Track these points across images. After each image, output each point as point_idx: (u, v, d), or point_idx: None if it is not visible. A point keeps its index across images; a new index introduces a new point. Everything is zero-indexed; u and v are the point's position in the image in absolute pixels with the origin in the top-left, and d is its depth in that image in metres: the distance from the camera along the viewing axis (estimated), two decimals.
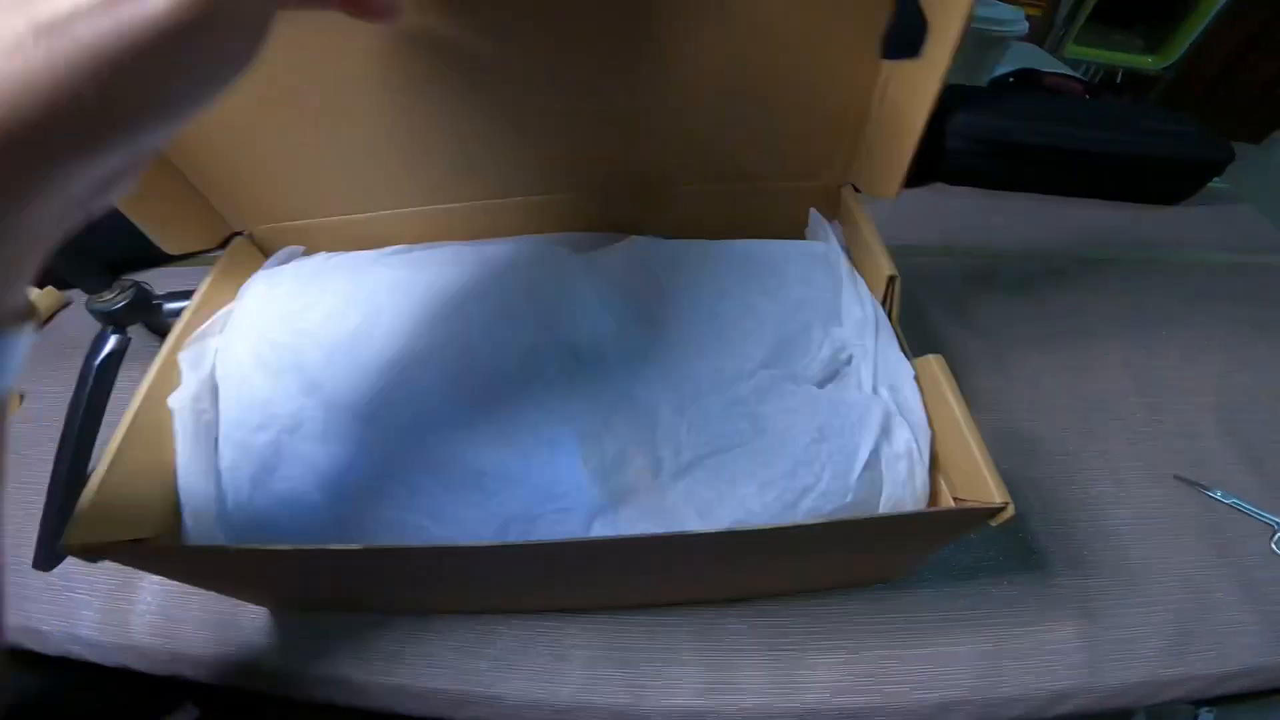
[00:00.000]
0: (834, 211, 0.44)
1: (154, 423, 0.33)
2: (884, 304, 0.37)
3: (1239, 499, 0.44)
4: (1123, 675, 0.37)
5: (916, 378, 0.34)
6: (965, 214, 0.65)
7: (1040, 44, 1.00)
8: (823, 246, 0.41)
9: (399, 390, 0.34)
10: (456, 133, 0.43)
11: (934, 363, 0.32)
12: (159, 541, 0.31)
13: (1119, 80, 1.08)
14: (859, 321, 0.37)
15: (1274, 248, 0.64)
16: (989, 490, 0.27)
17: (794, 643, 0.37)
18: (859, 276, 0.39)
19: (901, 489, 0.32)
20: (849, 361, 0.36)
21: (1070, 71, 0.85)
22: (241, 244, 0.44)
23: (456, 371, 0.34)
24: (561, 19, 0.38)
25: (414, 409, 0.33)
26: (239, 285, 0.41)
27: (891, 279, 0.36)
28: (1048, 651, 0.37)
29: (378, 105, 0.43)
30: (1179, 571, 0.41)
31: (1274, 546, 0.43)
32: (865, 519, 0.29)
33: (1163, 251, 0.62)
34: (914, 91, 0.37)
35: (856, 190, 0.43)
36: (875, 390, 0.35)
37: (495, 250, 0.40)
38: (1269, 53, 1.02)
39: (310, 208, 0.45)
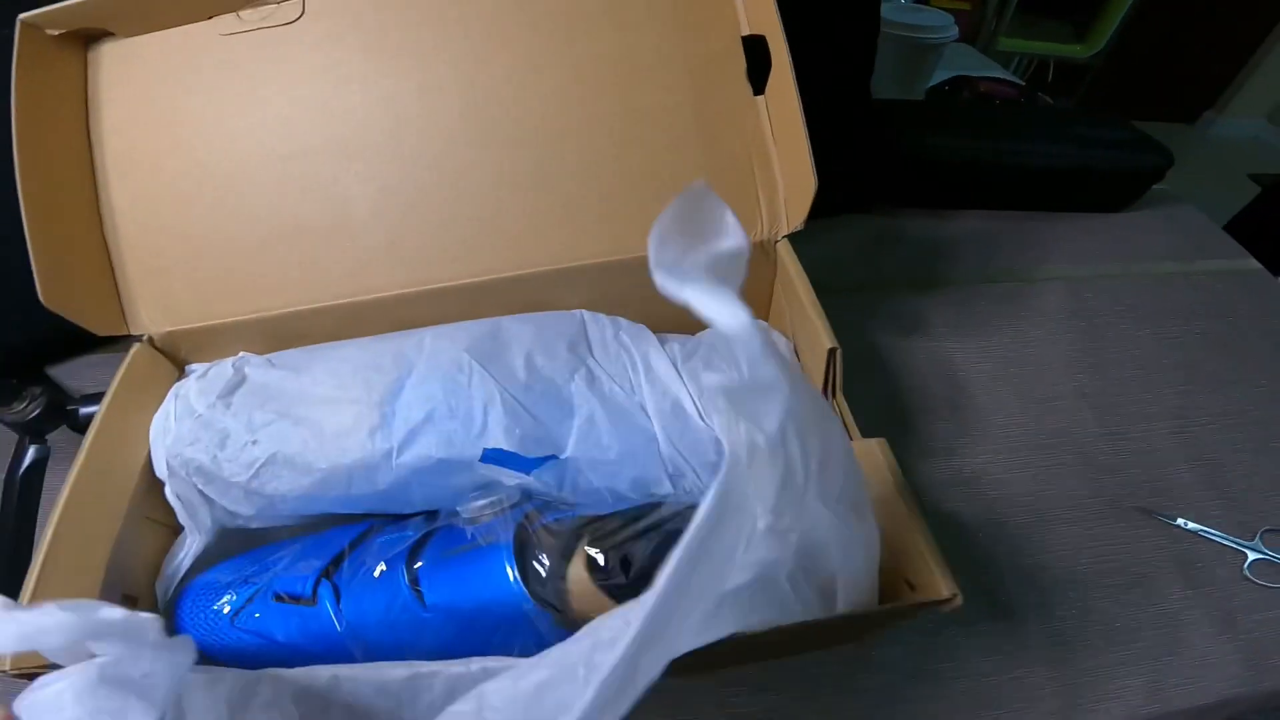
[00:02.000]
0: (772, 269, 0.42)
1: (75, 551, 0.32)
2: (826, 378, 0.35)
3: (1206, 527, 0.44)
4: (1100, 717, 0.37)
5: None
6: (910, 239, 0.64)
7: (973, 39, 1.00)
8: None
9: None
10: (378, 215, 0.41)
11: (876, 448, 0.31)
12: None
13: (1050, 74, 1.08)
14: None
15: (1219, 251, 0.64)
16: (936, 583, 0.27)
17: (760, 712, 0.36)
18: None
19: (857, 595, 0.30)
20: None
21: (1004, 74, 0.85)
22: (143, 351, 0.41)
23: None
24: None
25: None
26: (148, 398, 0.39)
27: (832, 352, 0.34)
28: (1022, 699, 0.37)
29: (290, 182, 0.41)
30: (1151, 607, 0.41)
31: (1246, 573, 0.42)
32: (821, 621, 0.27)
33: (1111, 265, 0.61)
34: (785, 118, 0.39)
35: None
36: None
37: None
38: (1196, 34, 1.03)
39: (218, 306, 0.42)
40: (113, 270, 0.42)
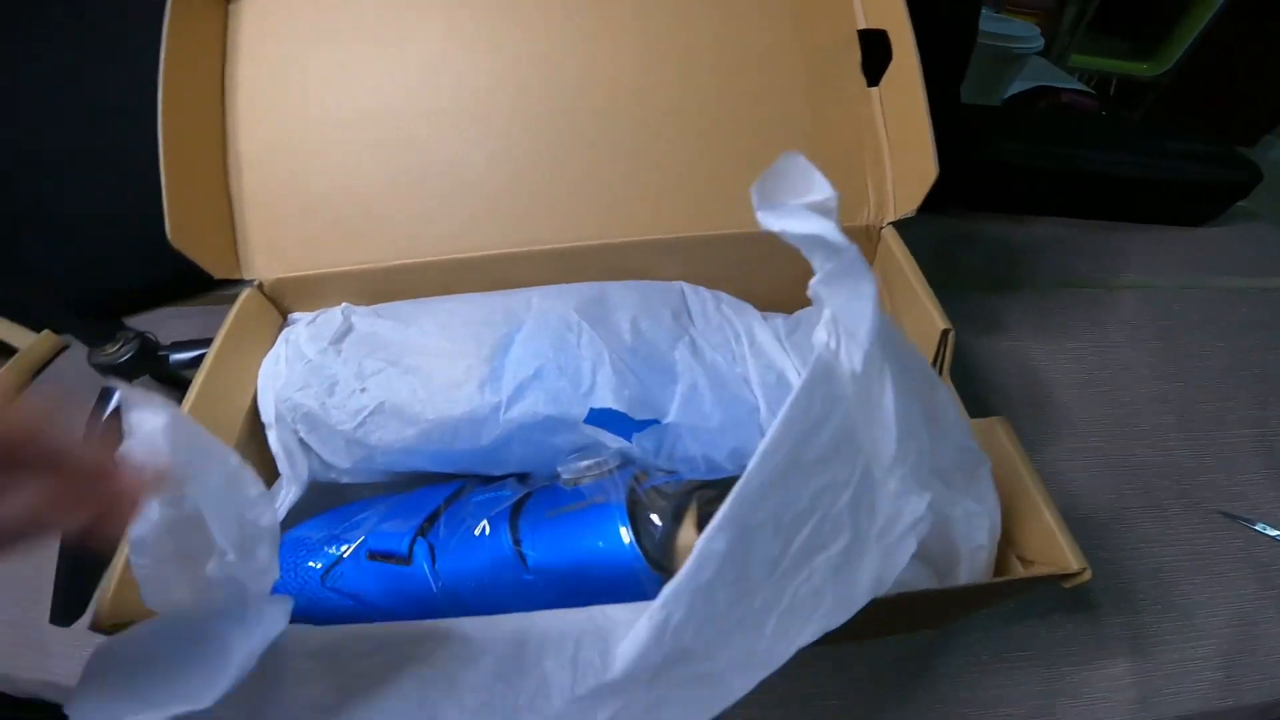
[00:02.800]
0: (872, 255, 0.43)
1: None
2: (936, 359, 0.36)
3: None
4: (1175, 709, 0.37)
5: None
6: (987, 241, 0.64)
7: (1045, 54, 1.00)
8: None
9: None
10: (489, 175, 0.43)
11: (997, 425, 0.31)
12: None
13: (1112, 90, 1.08)
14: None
15: None
16: (1065, 557, 0.28)
17: (837, 691, 0.37)
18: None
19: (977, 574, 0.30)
20: None
21: (1082, 86, 0.85)
22: (252, 297, 0.42)
23: None
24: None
25: None
26: (254, 344, 0.40)
27: (945, 333, 0.35)
28: (1100, 689, 0.38)
29: (409, 140, 0.42)
30: (1226, 606, 0.41)
31: None
32: (951, 590, 0.28)
33: (1192, 278, 0.62)
34: (906, 107, 0.39)
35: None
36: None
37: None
38: (1261, 57, 1.03)
39: (326, 255, 0.43)
40: (232, 216, 0.43)
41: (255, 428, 0.40)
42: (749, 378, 0.39)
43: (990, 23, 0.75)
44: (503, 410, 0.37)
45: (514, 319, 0.40)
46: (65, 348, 0.55)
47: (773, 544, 0.23)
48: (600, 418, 0.38)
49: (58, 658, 0.37)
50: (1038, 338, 0.55)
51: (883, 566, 0.24)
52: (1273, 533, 0.44)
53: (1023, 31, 0.75)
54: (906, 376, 0.25)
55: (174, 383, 0.47)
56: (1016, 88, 0.81)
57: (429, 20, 0.42)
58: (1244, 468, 0.48)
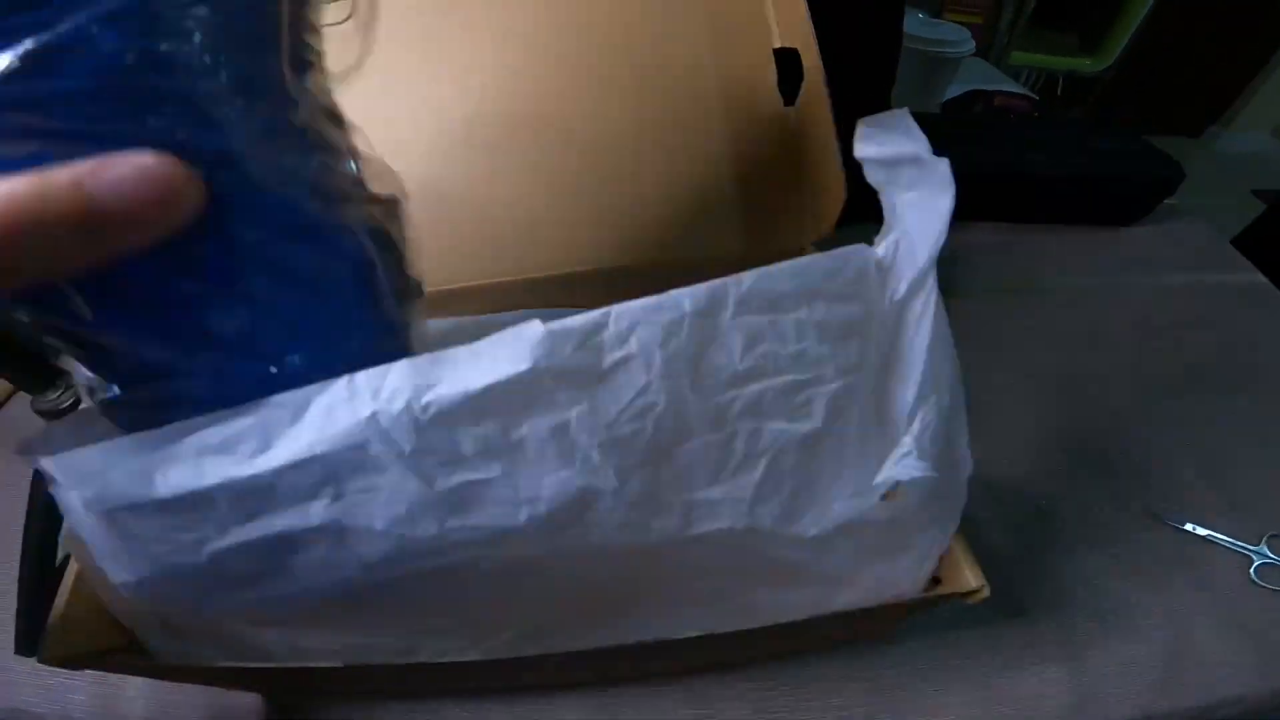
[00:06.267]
0: None
1: None
2: None
3: (1213, 532, 0.45)
4: (1111, 713, 0.37)
5: None
6: None
7: (985, 53, 1.02)
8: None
9: None
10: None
11: None
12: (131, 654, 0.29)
13: (1060, 88, 1.09)
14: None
15: (1227, 265, 0.65)
16: (964, 575, 0.28)
17: (785, 705, 0.37)
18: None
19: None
20: None
21: (1017, 88, 0.86)
22: None
23: None
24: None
25: None
26: None
27: None
28: (1036, 695, 0.38)
29: None
30: (1160, 608, 0.41)
31: (1253, 576, 0.43)
32: (854, 611, 0.28)
33: (1120, 277, 0.63)
34: (816, 129, 0.39)
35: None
36: None
37: None
38: (1204, 48, 1.05)
39: None
40: None
41: None
42: None
43: (920, 27, 0.76)
44: None
45: None
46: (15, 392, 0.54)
47: (732, 358, 0.21)
48: None
49: (22, 686, 0.36)
50: (970, 344, 0.54)
51: (826, 508, 0.24)
52: (1202, 532, 0.45)
53: (953, 35, 0.76)
54: (943, 343, 0.25)
55: None
56: (952, 92, 0.81)
57: None
58: (1173, 467, 0.48)
